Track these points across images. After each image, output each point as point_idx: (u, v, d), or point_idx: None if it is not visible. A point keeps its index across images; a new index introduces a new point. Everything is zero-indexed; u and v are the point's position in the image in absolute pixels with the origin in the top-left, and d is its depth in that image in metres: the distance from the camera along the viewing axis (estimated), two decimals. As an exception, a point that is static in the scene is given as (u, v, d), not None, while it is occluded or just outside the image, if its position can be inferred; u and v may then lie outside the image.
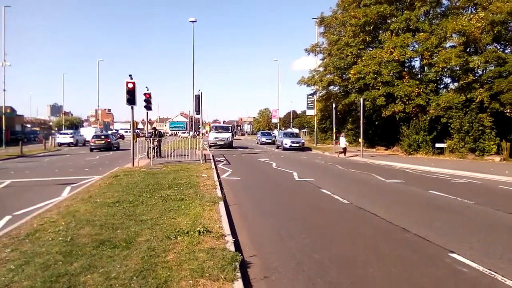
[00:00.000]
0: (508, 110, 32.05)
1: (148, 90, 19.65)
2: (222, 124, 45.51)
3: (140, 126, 70.18)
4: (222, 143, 35.43)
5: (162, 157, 21.48)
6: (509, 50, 31.86)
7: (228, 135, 36.46)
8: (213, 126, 41.30)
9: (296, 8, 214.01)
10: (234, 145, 38.67)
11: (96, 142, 33.14)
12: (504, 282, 4.92)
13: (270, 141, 48.11)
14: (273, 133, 58.27)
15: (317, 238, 6.89)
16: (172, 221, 7.14)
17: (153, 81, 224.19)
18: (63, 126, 73.21)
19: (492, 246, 6.51)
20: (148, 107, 19.97)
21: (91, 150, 32.50)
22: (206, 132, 45.58)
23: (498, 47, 31.29)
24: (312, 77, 40.12)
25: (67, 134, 44.78)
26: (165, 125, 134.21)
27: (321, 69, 40.30)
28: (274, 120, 63.74)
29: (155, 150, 20.67)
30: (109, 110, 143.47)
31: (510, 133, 30.00)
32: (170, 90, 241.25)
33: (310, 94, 47.31)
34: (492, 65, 30.01)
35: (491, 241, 6.87)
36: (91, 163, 21.75)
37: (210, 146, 34.22)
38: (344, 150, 29.55)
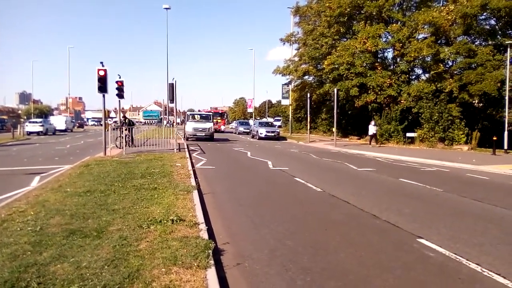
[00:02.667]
0: (477, 101, 33.07)
1: (120, 78, 19.24)
2: (201, 112, 38.73)
3: (112, 114, 68.86)
4: (203, 134, 30.03)
5: (135, 146, 21.13)
6: (478, 42, 32.76)
7: (209, 124, 31.04)
8: (190, 114, 35.02)
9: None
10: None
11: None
12: (468, 265, 5.12)
13: (248, 130, 45.98)
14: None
15: (290, 225, 6.97)
16: (145, 210, 7.08)
17: (126, 69, 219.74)
18: (32, 114, 71.02)
19: (458, 232, 6.75)
20: (120, 95, 19.56)
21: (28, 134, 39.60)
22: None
23: (469, 39, 32.12)
24: (287, 66, 40.27)
25: (36, 122, 43.44)
26: (138, 114, 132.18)
27: (296, 59, 40.47)
28: (250, 110, 63.68)
29: (127, 139, 20.31)
30: (80, 98, 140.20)
31: (478, 123, 31.02)
32: (143, 78, 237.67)
33: (285, 84, 47.50)
34: (462, 56, 30.81)
35: (457, 226, 7.12)
36: (61, 152, 21.23)
37: (187, 138, 29.78)
38: (371, 138, 28.75)
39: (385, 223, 7.21)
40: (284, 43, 42.37)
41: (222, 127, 50.36)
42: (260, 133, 36.00)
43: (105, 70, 16.57)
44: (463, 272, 4.92)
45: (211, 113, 34.64)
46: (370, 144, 28.55)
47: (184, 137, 30.55)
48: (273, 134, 36.28)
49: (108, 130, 19.06)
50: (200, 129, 30.10)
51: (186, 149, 20.91)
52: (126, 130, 20.40)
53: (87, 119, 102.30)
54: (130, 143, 20.78)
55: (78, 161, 15.20)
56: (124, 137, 19.69)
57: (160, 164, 13.92)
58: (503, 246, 6.00)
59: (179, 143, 21.85)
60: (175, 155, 17.24)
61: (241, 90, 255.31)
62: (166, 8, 40.81)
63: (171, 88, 30.44)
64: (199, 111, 49.26)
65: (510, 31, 32.50)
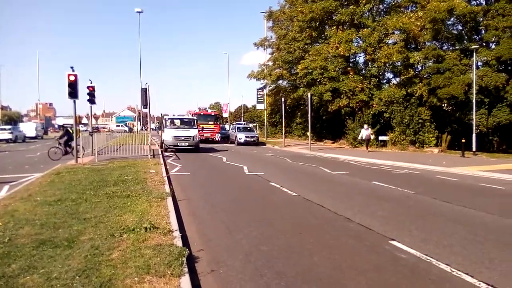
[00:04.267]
0: (446, 105, 34.12)
1: (91, 83, 18.89)
2: (183, 116, 30.34)
3: (84, 121, 67.45)
4: (185, 144, 24.09)
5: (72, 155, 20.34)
6: (446, 47, 33.85)
7: (193, 132, 24.77)
8: (168, 118, 26.71)
9: (245, 1, 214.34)
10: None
11: None
12: (438, 266, 5.26)
13: (225, 136, 40.17)
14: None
15: (265, 230, 6.99)
16: (118, 218, 6.96)
17: (98, 74, 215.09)
18: (0, 121, 68.78)
19: (429, 233, 6.92)
20: (91, 100, 19.20)
21: None
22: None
23: (437, 44, 33.15)
24: (261, 71, 40.49)
25: (5, 129, 42.07)
26: (111, 120, 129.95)
27: (270, 63, 40.75)
28: (225, 115, 63.49)
29: (62, 149, 20.12)
30: (50, 104, 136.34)
31: (447, 126, 31.98)
32: (116, 83, 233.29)
33: (260, 88, 47.63)
34: (431, 61, 31.76)
35: (428, 228, 7.29)
36: (31, 160, 20.63)
37: (165, 149, 24.48)
38: (367, 143, 27.23)
39: (358, 226, 7.32)
40: (258, 48, 42.64)
41: (217, 136, 36.42)
42: (239, 139, 34.73)
43: (75, 75, 16.25)
44: (433, 273, 5.05)
45: (195, 118, 28.25)
46: (367, 149, 27.00)
47: (161, 147, 25.48)
48: (252, 139, 35.14)
49: (79, 137, 18.68)
50: (182, 138, 24.13)
51: (161, 155, 20.70)
52: (63, 140, 20.19)
53: (58, 125, 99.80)
54: (64, 153, 20.15)
55: (49, 169, 14.81)
56: (62, 148, 19.81)
57: (134, 171, 13.72)
58: (472, 246, 6.18)
59: (153, 149, 21.59)
60: (149, 162, 17.02)
61: (216, 95, 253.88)
62: (138, 12, 40.27)
63: (145, 93, 30.07)
64: (193, 113, 37.12)
65: (475, 36, 33.74)
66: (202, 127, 33.96)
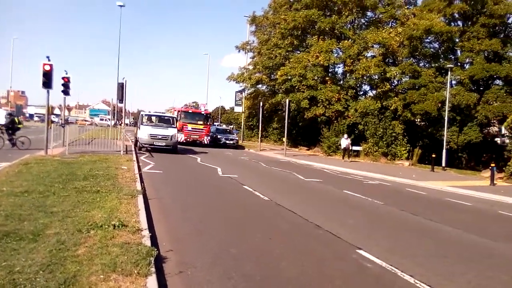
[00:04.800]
0: (419, 120, 35.05)
1: (67, 74, 18.51)
2: (160, 113, 28.23)
3: (56, 111, 65.86)
4: (162, 144, 22.25)
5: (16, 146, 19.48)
6: (422, 64, 34.82)
7: (171, 131, 22.89)
8: (145, 115, 25.24)
9: (229, 4, 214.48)
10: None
11: None
12: (403, 277, 5.37)
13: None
14: None
15: (235, 233, 6.99)
16: (86, 214, 6.81)
17: (73, 64, 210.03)
18: (-33, 106, 66.32)
19: (395, 244, 7.08)
20: (66, 92, 18.81)
21: None
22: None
23: (414, 61, 34.08)
24: (241, 74, 40.53)
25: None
26: (85, 112, 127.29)
27: (251, 67, 40.87)
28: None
29: (4, 139, 19.18)
30: (23, 92, 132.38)
31: (419, 141, 32.82)
32: (92, 75, 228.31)
33: (239, 91, 47.65)
34: (407, 76, 32.61)
35: (395, 239, 7.46)
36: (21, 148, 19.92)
37: (140, 148, 22.46)
38: (344, 152, 27.16)
39: (327, 233, 7.41)
40: (239, 51, 42.70)
41: (205, 139, 31.38)
42: (219, 141, 33.74)
43: (50, 65, 15.87)
44: (397, 284, 5.16)
45: (174, 116, 26.46)
46: (343, 159, 27.02)
47: (136, 145, 23.47)
48: (232, 142, 34.17)
49: (51, 128, 18.22)
50: (159, 137, 22.26)
51: (134, 152, 20.40)
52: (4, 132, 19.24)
53: (30, 114, 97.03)
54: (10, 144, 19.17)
55: (17, 158, 14.37)
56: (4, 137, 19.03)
57: (105, 166, 13.46)
58: (435, 259, 6.36)
59: (126, 145, 21.26)
60: (121, 158, 16.74)
61: (194, 94, 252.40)
62: (120, 6, 39.76)
63: (121, 87, 29.59)
64: (179, 110, 32.81)
65: (451, 55, 34.89)
66: (190, 127, 30.77)
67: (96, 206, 7.44)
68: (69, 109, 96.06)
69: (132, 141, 27.07)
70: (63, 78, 18.34)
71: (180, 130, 28.45)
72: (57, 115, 58.53)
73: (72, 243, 5.21)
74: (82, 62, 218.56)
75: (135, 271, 4.43)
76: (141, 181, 11.31)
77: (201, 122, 31.43)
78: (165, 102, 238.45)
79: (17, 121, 19.88)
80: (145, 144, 22.40)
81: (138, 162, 16.33)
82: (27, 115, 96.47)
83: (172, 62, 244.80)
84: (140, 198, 8.54)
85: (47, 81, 15.98)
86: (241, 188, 12.28)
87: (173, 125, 23.88)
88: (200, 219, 7.91)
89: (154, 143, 22.23)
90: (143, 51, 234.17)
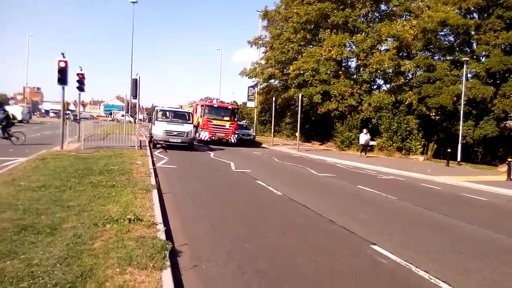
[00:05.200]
0: (434, 114, 34.60)
1: (81, 70, 18.72)
2: (175, 108, 26.87)
3: (71, 107, 66.64)
4: (178, 140, 21.26)
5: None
6: (437, 57, 34.29)
7: (188, 127, 21.84)
8: (160, 110, 23.85)
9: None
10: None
11: None
12: (417, 273, 5.34)
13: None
14: None
15: (249, 228, 7.02)
16: (101, 208, 6.91)
17: (88, 61, 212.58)
18: (-14, 103, 67.50)
19: (409, 239, 7.03)
20: (80, 88, 19.02)
21: None
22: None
23: (429, 54, 33.57)
24: (254, 69, 40.48)
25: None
26: (99, 108, 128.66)
27: (263, 62, 40.78)
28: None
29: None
30: (38, 88, 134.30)
31: (434, 135, 32.43)
32: (106, 71, 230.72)
33: (251, 86, 47.56)
34: (422, 70, 32.15)
35: (409, 234, 7.41)
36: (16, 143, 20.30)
37: (155, 145, 21.63)
38: (363, 148, 26.23)
39: (341, 229, 7.39)
40: (251, 46, 42.63)
41: (233, 137, 28.05)
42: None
43: (65, 62, 16.06)
44: (412, 279, 5.13)
45: (190, 112, 25.36)
46: (360, 154, 26.28)
47: (150, 141, 22.81)
48: (248, 137, 32.28)
49: (66, 124, 18.47)
50: (175, 133, 21.20)
51: (148, 147, 20.57)
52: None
53: (45, 110, 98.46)
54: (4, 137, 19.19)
55: (34, 154, 14.63)
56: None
57: (120, 161, 13.61)
58: (450, 254, 6.30)
59: (140, 140, 21.44)
60: (135, 153, 16.91)
61: (207, 90, 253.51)
62: (133, 2, 39.92)
63: (135, 83, 29.76)
64: (202, 104, 29.43)
65: (466, 48, 34.27)
66: (215, 123, 27.36)
67: (112, 200, 7.54)
68: (84, 104, 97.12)
69: (146, 137, 27.23)
70: (78, 74, 18.54)
71: (204, 127, 27.09)
72: (72, 111, 59.20)
73: (89, 237, 5.29)
74: (97, 58, 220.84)
75: (151, 265, 4.49)
76: (156, 176, 11.40)
77: (227, 118, 27.89)
78: (177, 98, 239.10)
79: (11, 116, 20.11)
80: (160, 140, 21.34)
81: (152, 157, 16.47)
82: (43, 111, 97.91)
83: (185, 58, 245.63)
84: (155, 193, 8.62)
85: (62, 77, 16.18)
86: (254, 183, 12.30)
87: (189, 121, 22.70)
88: (214, 214, 7.95)
89: (170, 140, 21.19)
90: (156, 48, 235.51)
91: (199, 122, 27.63)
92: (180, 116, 23.26)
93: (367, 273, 5.28)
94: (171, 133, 21.17)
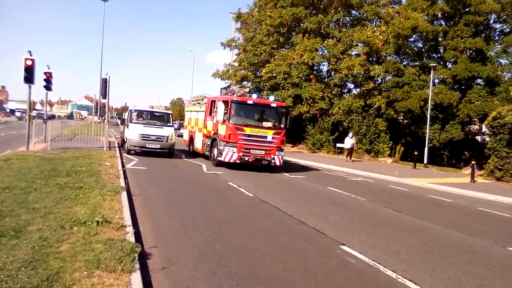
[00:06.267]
0: (402, 117, 35.52)
1: (49, 69, 18.25)
2: (153, 109, 22.45)
3: (38, 106, 64.77)
4: (157, 146, 18.10)
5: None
6: (406, 62, 35.27)
7: (168, 131, 18.67)
8: (135, 110, 20.12)
9: (212, 0, 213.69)
10: None
11: None
12: (385, 272, 5.48)
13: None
14: None
15: (220, 230, 7.00)
16: (68, 210, 6.73)
17: (55, 59, 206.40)
18: None
19: (378, 240, 7.18)
20: (48, 87, 18.52)
21: None
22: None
23: (398, 59, 34.46)
24: (226, 71, 40.36)
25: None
26: (67, 108, 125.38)
27: (236, 64, 40.71)
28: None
29: None
30: (3, 87, 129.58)
31: (402, 138, 33.28)
32: (74, 70, 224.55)
33: (224, 88, 47.21)
34: (391, 75, 32.96)
35: (378, 235, 7.57)
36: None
37: (128, 151, 18.34)
38: (349, 152, 25.94)
39: (311, 230, 7.48)
40: (224, 47, 42.40)
41: (278, 157, 16.59)
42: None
43: (32, 60, 15.60)
44: (379, 279, 5.25)
45: (168, 112, 22.03)
46: (346, 159, 25.87)
47: (121, 146, 20.55)
48: None
49: (32, 123, 17.92)
50: (153, 138, 18.02)
51: (117, 148, 20.19)
52: None
53: (10, 109, 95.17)
54: None
55: (-4, 154, 14.11)
56: None
57: (88, 162, 13.30)
58: (417, 255, 6.48)
59: (109, 141, 21.01)
60: (104, 154, 16.57)
61: (179, 91, 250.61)
62: (104, 0, 39.18)
63: (104, 83, 29.21)
64: (224, 99, 17.05)
65: (434, 54, 35.35)
66: (248, 133, 16.21)
67: (79, 202, 7.35)
68: (51, 104, 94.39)
69: (116, 138, 26.67)
70: (45, 73, 18.08)
71: (229, 139, 15.99)
72: (38, 110, 57.50)
73: (55, 240, 5.15)
74: (65, 57, 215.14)
75: (119, 267, 4.41)
76: (125, 177, 11.21)
77: (269, 124, 16.81)
78: (150, 98, 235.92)
79: None
80: (135, 146, 18.04)
81: (121, 158, 16.18)
82: (8, 110, 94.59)
83: (156, 58, 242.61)
84: (124, 195, 8.47)
85: (29, 76, 15.70)
86: (227, 185, 12.28)
87: (169, 124, 19.56)
88: (185, 215, 7.88)
89: (146, 146, 17.99)
90: (127, 47, 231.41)
91: (217, 129, 17.06)
92: (158, 117, 20.04)
93: (336, 273, 5.36)
94: (148, 137, 17.99)
